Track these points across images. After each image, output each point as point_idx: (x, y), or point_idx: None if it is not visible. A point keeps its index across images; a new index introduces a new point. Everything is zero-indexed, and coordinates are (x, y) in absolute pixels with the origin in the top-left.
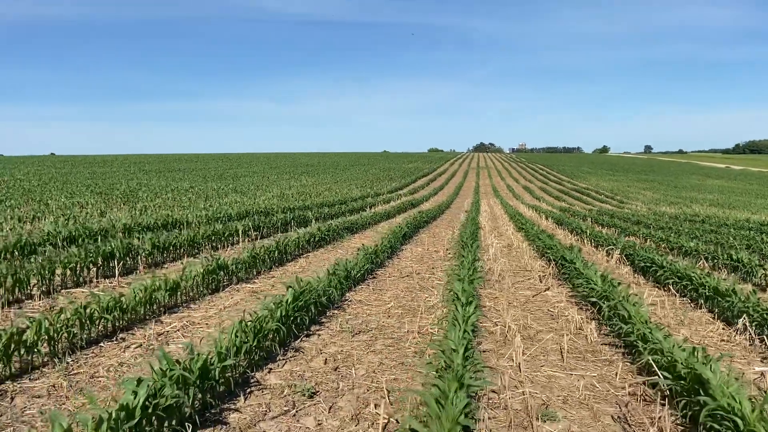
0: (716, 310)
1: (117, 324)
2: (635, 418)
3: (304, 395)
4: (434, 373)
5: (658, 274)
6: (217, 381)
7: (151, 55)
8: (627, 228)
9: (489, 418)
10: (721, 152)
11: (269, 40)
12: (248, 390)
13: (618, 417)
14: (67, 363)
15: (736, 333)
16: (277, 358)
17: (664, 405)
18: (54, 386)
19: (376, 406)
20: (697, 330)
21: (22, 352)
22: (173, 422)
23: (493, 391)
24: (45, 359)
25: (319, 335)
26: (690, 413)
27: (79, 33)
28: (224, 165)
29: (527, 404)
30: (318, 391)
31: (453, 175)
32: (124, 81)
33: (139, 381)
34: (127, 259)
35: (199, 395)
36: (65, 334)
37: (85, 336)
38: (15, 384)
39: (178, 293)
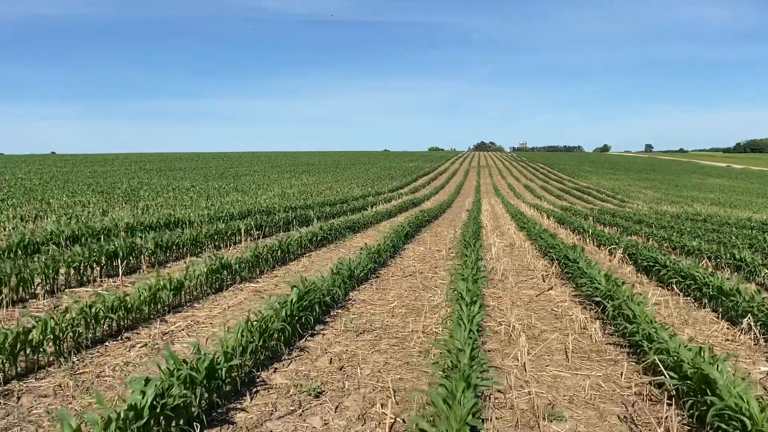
0: (720, 310)
1: (122, 323)
2: (642, 418)
3: (310, 395)
4: (441, 372)
5: (661, 273)
6: (223, 380)
7: (151, 54)
8: (629, 227)
9: (496, 418)
10: (722, 151)
11: (269, 40)
12: (254, 389)
13: (624, 417)
14: (73, 362)
15: (741, 333)
16: (282, 358)
17: (670, 405)
18: (60, 386)
19: (382, 405)
20: (702, 329)
21: (27, 352)
22: (181, 422)
23: (499, 391)
24: (51, 359)
25: (323, 335)
26: (697, 413)
27: (78, 32)
28: (225, 164)
29: (533, 404)
30: (324, 391)
31: (454, 174)
32: (124, 80)
33: (147, 381)
34: (131, 258)
35: (206, 395)
36: (70, 334)
37: (90, 335)
38: (21, 383)
39: (182, 292)
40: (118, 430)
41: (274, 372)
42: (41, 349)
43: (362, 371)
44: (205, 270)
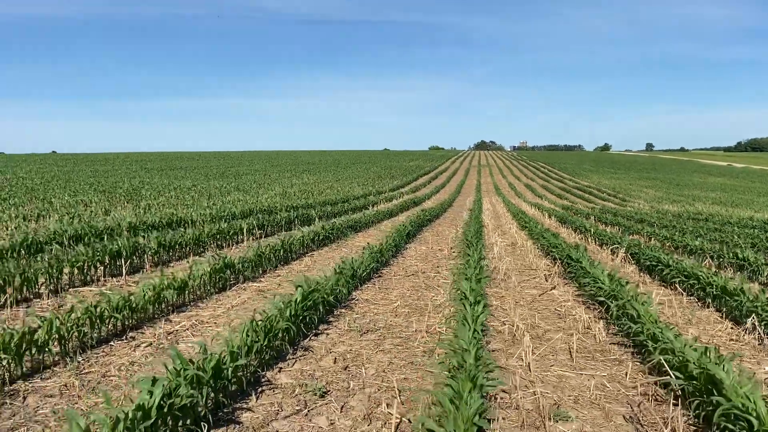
0: (724, 310)
1: (126, 323)
2: (648, 418)
3: (315, 394)
4: (446, 373)
5: (664, 273)
6: (229, 380)
7: (152, 54)
8: (630, 226)
9: (502, 418)
10: (723, 150)
11: (270, 39)
12: (260, 389)
13: (630, 417)
14: (78, 362)
15: (745, 332)
16: (287, 357)
17: (676, 405)
18: (66, 385)
19: (388, 405)
20: (706, 329)
21: (33, 352)
22: (188, 422)
23: (504, 391)
24: (56, 358)
25: (327, 334)
26: (703, 414)
27: (79, 31)
28: (225, 163)
29: (539, 404)
30: (329, 391)
31: (454, 173)
32: (124, 79)
33: (155, 381)
34: (134, 257)
35: (212, 394)
36: (76, 333)
37: (95, 335)
38: (27, 383)
39: (186, 292)
40: (127, 430)
41: (279, 372)
42: (47, 349)
43: (367, 371)
44: (209, 269)
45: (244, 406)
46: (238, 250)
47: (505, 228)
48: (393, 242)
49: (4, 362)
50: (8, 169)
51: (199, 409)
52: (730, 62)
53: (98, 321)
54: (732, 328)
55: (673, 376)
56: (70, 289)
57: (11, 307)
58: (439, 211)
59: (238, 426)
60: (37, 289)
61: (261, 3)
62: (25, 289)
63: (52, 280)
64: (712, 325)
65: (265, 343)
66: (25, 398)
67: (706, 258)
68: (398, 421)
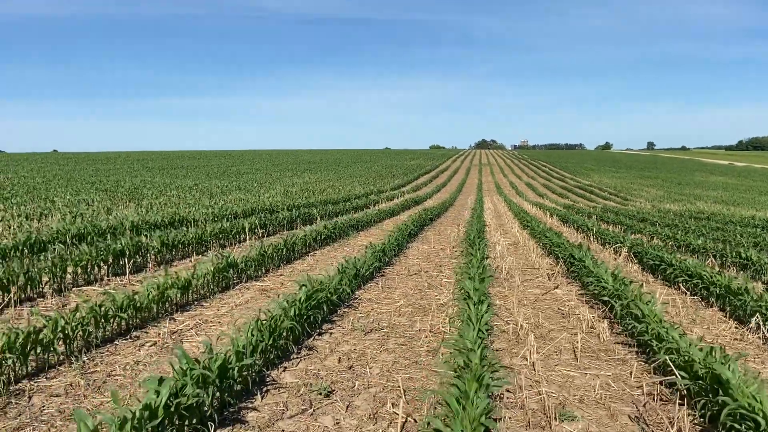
0: (728, 309)
1: (131, 322)
2: (653, 418)
3: (320, 394)
4: (452, 372)
5: (667, 272)
6: (235, 380)
7: (152, 53)
8: (632, 225)
9: (508, 418)
10: (724, 149)
11: (270, 38)
12: (265, 389)
13: (636, 417)
14: (83, 361)
15: (749, 332)
16: (292, 357)
17: (682, 405)
18: (71, 385)
19: (393, 405)
20: (710, 329)
21: (38, 351)
22: (194, 421)
23: (509, 391)
24: (61, 358)
25: (331, 333)
26: (709, 413)
27: (79, 30)
28: (226, 162)
29: (544, 404)
30: (334, 390)
31: (455, 172)
32: (125, 78)
33: (161, 380)
34: (137, 257)
35: (218, 394)
36: (81, 333)
37: (100, 334)
38: (32, 383)
39: (190, 291)
40: (134, 430)
41: (284, 371)
42: (52, 349)
43: (371, 370)
44: (212, 269)
45: (250, 405)
46: (241, 249)
47: (506, 227)
48: (395, 241)
49: (10, 362)
50: (9, 168)
51: (205, 408)
52: (731, 61)
53: (103, 320)
54: (736, 327)
55: (678, 376)
56: (74, 288)
57: (15, 306)
58: (441, 210)
59: (243, 425)
60: (40, 288)
61: (261, 2)
62: (28, 288)
63: (55, 279)
64: (716, 325)
65: (270, 342)
66: (30, 398)
67: (709, 257)
68: (404, 420)
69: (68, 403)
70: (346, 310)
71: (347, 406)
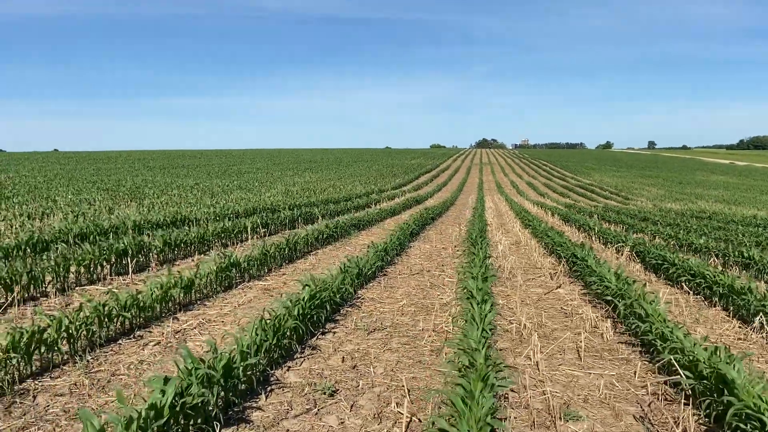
0: (731, 309)
1: (134, 321)
2: (658, 418)
3: (324, 393)
4: (456, 372)
5: (670, 271)
6: (239, 379)
7: (153, 52)
8: (634, 224)
9: (513, 418)
10: (725, 148)
11: (271, 38)
12: (269, 388)
13: (641, 417)
14: (88, 361)
15: (753, 331)
16: (295, 356)
17: (687, 405)
18: (76, 384)
19: (397, 404)
20: (713, 328)
21: (42, 350)
22: (199, 421)
23: (513, 390)
24: (65, 357)
25: (334, 333)
26: (714, 413)
27: (80, 30)
28: (227, 161)
29: (549, 403)
30: (338, 390)
31: (456, 171)
32: (126, 77)
33: (167, 380)
34: (140, 256)
35: (223, 393)
36: (84, 332)
37: (104, 334)
38: (36, 382)
39: (193, 291)
40: (140, 430)
41: (288, 370)
42: (56, 348)
43: (375, 370)
44: (215, 268)
45: (254, 405)
46: (243, 248)
47: (508, 226)
48: (397, 240)
49: (14, 361)
50: (11, 167)
51: (210, 408)
52: (732, 60)
53: (107, 320)
54: (740, 327)
55: (683, 376)
56: (77, 288)
57: (18, 305)
58: (442, 209)
59: (248, 425)
60: (44, 288)
61: (262, 2)
62: (32, 287)
63: (58, 279)
64: (719, 324)
65: (274, 342)
66: (35, 397)
67: (712, 256)
68: (408, 420)
69: (73, 403)
70: (349, 309)
71: (351, 406)
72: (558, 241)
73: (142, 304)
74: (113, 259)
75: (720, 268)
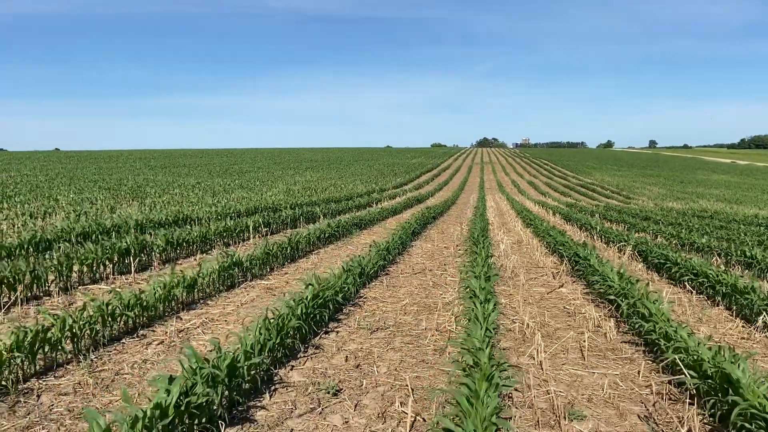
0: (734, 308)
1: (138, 321)
2: (662, 417)
3: (328, 393)
4: (460, 371)
5: (672, 271)
6: (244, 379)
7: (154, 51)
8: (636, 224)
9: (518, 417)
10: (726, 147)
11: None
12: (273, 388)
13: (645, 416)
14: (91, 360)
15: (756, 331)
16: (299, 356)
17: (692, 404)
18: (80, 383)
19: (401, 404)
20: (716, 328)
21: (46, 350)
22: (203, 420)
23: (517, 390)
24: (69, 356)
25: (337, 332)
26: (719, 413)
27: (81, 29)
28: (228, 160)
29: (553, 403)
30: (342, 389)
31: (457, 170)
32: (126, 76)
33: (172, 379)
34: (142, 255)
35: (227, 393)
36: (88, 331)
37: (107, 333)
38: (40, 381)
39: (196, 290)
40: (145, 429)
41: (292, 370)
42: (60, 347)
43: (379, 369)
44: (218, 267)
45: (258, 404)
46: (245, 247)
47: (510, 225)
48: (399, 240)
49: (18, 360)
50: (12, 166)
51: (214, 407)
52: (733, 59)
53: (110, 319)
54: (743, 326)
55: (688, 375)
56: (80, 287)
57: (22, 304)
58: (443, 208)
59: (253, 424)
60: (47, 287)
61: (262, 2)
62: (35, 286)
63: (61, 278)
64: (722, 324)
65: (278, 341)
66: (39, 396)
67: (714, 256)
68: (413, 419)
69: (77, 402)
70: (352, 308)
71: (355, 405)
72: (560, 240)
73: (145, 303)
74: (116, 259)
75: (722, 267)
